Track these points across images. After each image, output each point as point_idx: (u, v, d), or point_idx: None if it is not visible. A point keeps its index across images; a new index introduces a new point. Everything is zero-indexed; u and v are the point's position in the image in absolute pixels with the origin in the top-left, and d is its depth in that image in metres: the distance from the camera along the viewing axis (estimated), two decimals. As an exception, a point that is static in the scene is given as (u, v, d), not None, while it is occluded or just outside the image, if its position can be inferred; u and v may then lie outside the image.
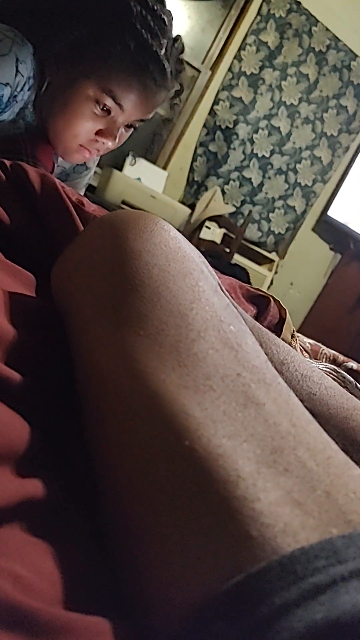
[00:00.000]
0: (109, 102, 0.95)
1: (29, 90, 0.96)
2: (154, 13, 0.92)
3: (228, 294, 0.44)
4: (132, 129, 1.06)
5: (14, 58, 0.88)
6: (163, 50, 0.95)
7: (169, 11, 0.98)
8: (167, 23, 0.95)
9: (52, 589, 0.24)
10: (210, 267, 0.44)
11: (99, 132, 1.00)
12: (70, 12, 0.92)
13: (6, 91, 0.90)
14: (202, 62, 3.49)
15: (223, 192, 3.60)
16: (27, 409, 0.31)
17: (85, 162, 1.26)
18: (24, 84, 0.93)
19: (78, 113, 0.96)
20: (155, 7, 0.93)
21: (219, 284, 0.42)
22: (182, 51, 1.03)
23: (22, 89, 0.93)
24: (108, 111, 0.97)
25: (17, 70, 0.89)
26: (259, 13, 3.36)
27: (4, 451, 0.28)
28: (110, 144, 1.02)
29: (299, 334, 0.84)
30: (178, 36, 1.01)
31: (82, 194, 1.31)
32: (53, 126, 1.01)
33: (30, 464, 0.29)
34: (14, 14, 0.94)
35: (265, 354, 0.38)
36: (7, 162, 0.62)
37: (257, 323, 0.53)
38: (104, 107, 0.96)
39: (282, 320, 0.76)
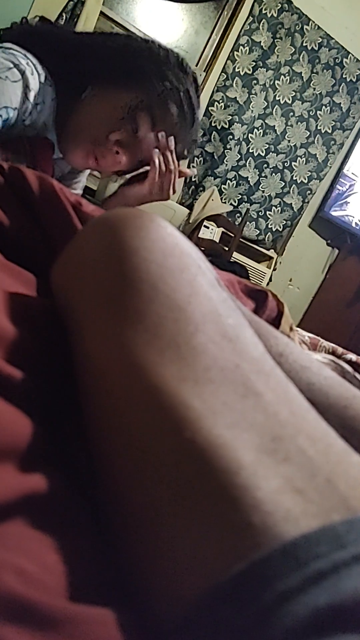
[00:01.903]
0: (146, 125, 1.03)
1: (37, 114, 0.99)
2: (198, 86, 1.09)
3: (226, 289, 0.44)
4: (140, 163, 1.12)
5: (23, 85, 0.92)
6: (197, 112, 1.09)
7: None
8: (198, 88, 1.10)
9: (55, 581, 0.24)
10: (208, 263, 0.44)
11: (118, 142, 1.03)
12: (132, 51, 1.03)
13: (12, 115, 0.94)
14: (197, 64, 3.50)
15: (220, 192, 3.60)
16: (29, 405, 0.31)
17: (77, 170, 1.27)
18: (32, 110, 0.97)
19: (114, 118, 1.02)
20: (198, 86, 1.10)
21: (217, 279, 0.43)
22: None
23: (30, 114, 0.97)
24: (137, 130, 1.03)
25: (25, 97, 0.93)
26: (250, 13, 3.36)
27: (6, 447, 0.28)
28: (123, 158, 1.05)
29: (298, 328, 0.84)
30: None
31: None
32: (78, 127, 1.04)
33: (33, 459, 0.29)
34: (42, 37, 1.02)
35: (264, 346, 0.38)
36: (5, 165, 0.62)
37: (256, 316, 0.53)
38: (136, 126, 1.02)
39: (280, 314, 0.76)
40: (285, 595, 0.22)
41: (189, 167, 3.54)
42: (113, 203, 1.19)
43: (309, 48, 3.53)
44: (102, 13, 3.04)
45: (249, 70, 3.44)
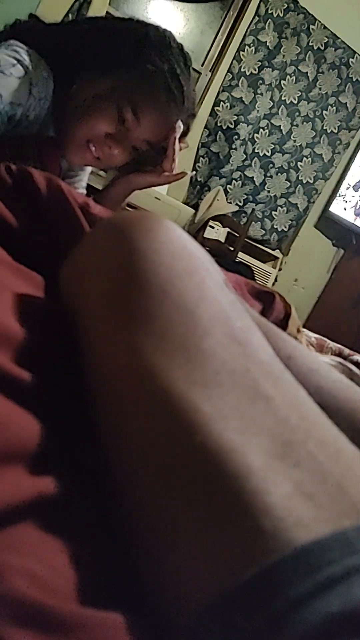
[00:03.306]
0: (129, 114, 1.00)
1: (40, 108, 0.99)
2: (184, 53, 1.06)
3: (234, 291, 0.44)
4: (133, 153, 1.09)
5: (29, 81, 0.93)
6: (187, 87, 1.03)
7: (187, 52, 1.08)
8: (188, 59, 1.06)
9: (66, 585, 0.24)
10: (216, 265, 0.44)
11: (108, 136, 1.03)
12: (110, 33, 1.02)
13: (19, 111, 0.94)
14: (202, 64, 3.49)
15: (226, 192, 3.59)
16: (38, 407, 0.31)
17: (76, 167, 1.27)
18: (35, 105, 0.97)
19: (97, 110, 1.01)
20: (186, 58, 1.06)
21: (225, 281, 0.42)
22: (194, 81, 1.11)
23: (33, 109, 0.98)
24: (123, 121, 1.01)
25: (30, 93, 0.94)
26: (256, 13, 3.36)
27: (16, 450, 0.28)
28: (114, 150, 1.04)
29: (304, 329, 0.84)
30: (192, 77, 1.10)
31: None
32: (67, 121, 1.04)
33: (42, 462, 0.29)
34: (34, 33, 1.02)
35: (272, 348, 0.38)
36: (13, 167, 0.62)
37: (264, 318, 0.53)
38: (122, 115, 1.01)
39: (287, 315, 0.76)
40: (297, 601, 0.22)
41: (194, 166, 3.53)
42: (117, 190, 1.18)
43: (315, 48, 3.52)
44: (108, 13, 3.05)
45: (255, 70, 3.43)
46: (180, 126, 1.06)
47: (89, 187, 1.38)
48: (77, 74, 1.02)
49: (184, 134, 1.12)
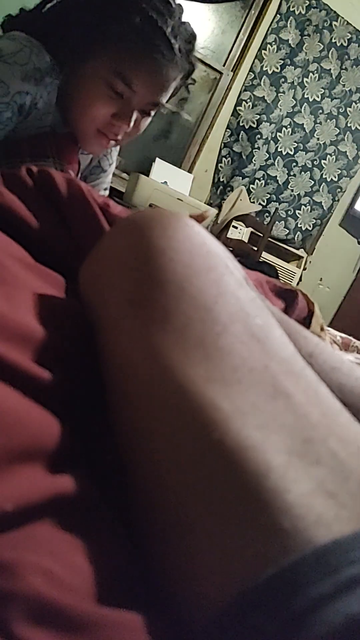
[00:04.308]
0: (120, 86, 0.97)
1: (48, 95, 0.99)
2: (170, 10, 0.96)
3: (255, 288, 0.44)
4: (149, 117, 1.07)
5: (33, 66, 0.93)
6: (169, 29, 0.96)
7: (179, 4, 1.00)
8: (173, 5, 0.97)
9: (83, 584, 0.24)
10: (236, 262, 0.43)
11: (114, 116, 1.02)
12: (79, 5, 0.97)
13: (28, 99, 0.94)
14: (224, 64, 3.49)
15: (249, 192, 3.58)
16: (57, 405, 0.31)
17: (100, 163, 1.27)
18: (43, 92, 0.97)
19: (92, 97, 0.99)
20: None
21: (245, 278, 0.42)
22: (193, 36, 1.04)
23: (41, 97, 0.97)
24: (121, 94, 0.99)
25: (36, 80, 0.93)
26: (278, 11, 3.34)
27: (35, 448, 0.28)
28: (125, 127, 1.03)
29: (329, 328, 0.83)
30: (187, 22, 1.03)
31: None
32: (72, 115, 1.04)
33: (61, 460, 0.29)
34: (28, 21, 1.00)
35: (294, 346, 0.37)
36: (34, 168, 0.63)
37: (285, 316, 0.52)
38: (116, 90, 0.98)
39: (310, 313, 0.75)
40: (317, 602, 0.21)
41: (216, 167, 3.53)
42: None
43: (338, 44, 3.48)
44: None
45: (277, 68, 3.41)
46: None
47: (111, 189, 1.39)
48: (71, 62, 1.00)
49: (189, 73, 1.06)
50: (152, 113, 1.06)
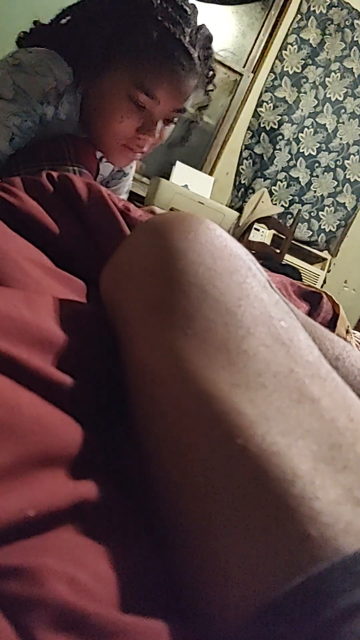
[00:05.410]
0: (142, 97, 0.97)
1: (69, 105, 1.00)
2: (173, 3, 0.94)
3: (278, 291, 0.43)
4: (173, 124, 1.07)
5: (53, 78, 0.94)
6: (187, 38, 0.96)
7: (192, 5, 0.99)
8: (188, 12, 0.96)
9: (107, 591, 0.23)
10: (258, 264, 0.43)
11: (138, 129, 1.02)
12: (96, 19, 0.96)
13: (49, 110, 0.96)
14: (244, 66, 3.48)
15: (271, 194, 3.56)
16: (79, 411, 0.31)
17: (122, 168, 1.28)
18: (65, 104, 0.98)
19: (115, 112, 0.99)
20: (176, 4, 0.95)
21: (268, 281, 0.41)
22: (210, 39, 1.03)
23: (63, 108, 0.98)
24: (143, 106, 0.98)
25: (58, 92, 0.95)
26: (298, 11, 3.32)
27: (57, 453, 0.28)
28: (151, 139, 1.03)
29: (355, 331, 0.81)
30: (203, 25, 1.01)
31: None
32: (95, 131, 1.04)
33: (84, 465, 0.29)
34: (49, 37, 1.01)
35: (319, 349, 0.37)
36: (54, 174, 0.63)
37: (310, 319, 0.51)
38: (138, 102, 0.97)
39: (335, 316, 0.73)
40: (347, 613, 0.21)
41: (238, 169, 3.52)
42: None
43: (360, 43, 3.45)
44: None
45: (298, 68, 3.39)
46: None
47: (132, 194, 1.40)
48: (88, 74, 1.00)
49: (210, 78, 1.05)
50: (175, 120, 1.06)
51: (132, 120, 1.00)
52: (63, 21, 1.03)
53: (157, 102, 0.98)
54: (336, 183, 3.70)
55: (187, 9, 0.96)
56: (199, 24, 1.00)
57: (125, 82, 0.96)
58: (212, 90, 1.09)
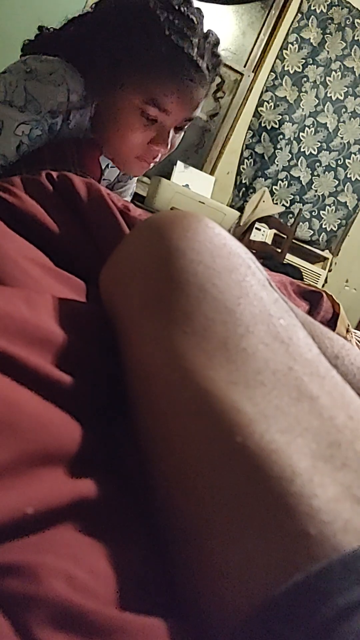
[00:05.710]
0: (153, 111, 0.97)
1: (80, 115, 1.00)
2: (180, 15, 0.93)
3: (278, 290, 0.43)
4: (182, 132, 1.07)
5: (66, 88, 0.93)
6: (195, 49, 0.95)
7: (198, 9, 0.98)
8: (195, 22, 0.96)
9: (105, 589, 0.23)
10: (257, 263, 0.43)
11: (151, 141, 1.02)
12: (102, 34, 0.96)
13: (59, 120, 0.96)
14: (245, 66, 3.48)
15: (272, 193, 3.56)
16: (79, 410, 0.31)
17: None
18: (76, 112, 0.98)
19: (128, 127, 0.99)
20: (182, 9, 0.94)
21: (268, 279, 0.41)
22: (217, 43, 1.02)
23: (73, 117, 0.99)
24: (155, 120, 0.99)
25: (69, 100, 0.94)
26: (299, 11, 3.32)
27: (56, 452, 0.28)
28: (164, 150, 1.04)
29: (355, 330, 0.81)
30: (209, 31, 1.01)
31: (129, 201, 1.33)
32: (109, 144, 1.05)
33: (83, 464, 0.29)
34: (57, 46, 1.00)
35: (319, 347, 0.37)
36: (54, 173, 0.63)
37: (309, 317, 0.51)
38: (149, 116, 0.98)
39: (335, 315, 0.73)
40: (346, 611, 0.21)
41: (238, 168, 3.52)
42: None
43: (361, 42, 3.45)
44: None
45: (299, 68, 3.39)
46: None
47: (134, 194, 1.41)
48: (97, 86, 0.99)
49: (219, 87, 1.06)
50: (186, 128, 1.06)
51: (145, 134, 1.00)
52: (71, 28, 1.03)
53: (168, 115, 0.99)
54: (337, 182, 3.69)
55: (194, 18, 0.95)
56: (205, 28, 1.00)
57: (136, 98, 0.96)
58: (221, 97, 1.10)
